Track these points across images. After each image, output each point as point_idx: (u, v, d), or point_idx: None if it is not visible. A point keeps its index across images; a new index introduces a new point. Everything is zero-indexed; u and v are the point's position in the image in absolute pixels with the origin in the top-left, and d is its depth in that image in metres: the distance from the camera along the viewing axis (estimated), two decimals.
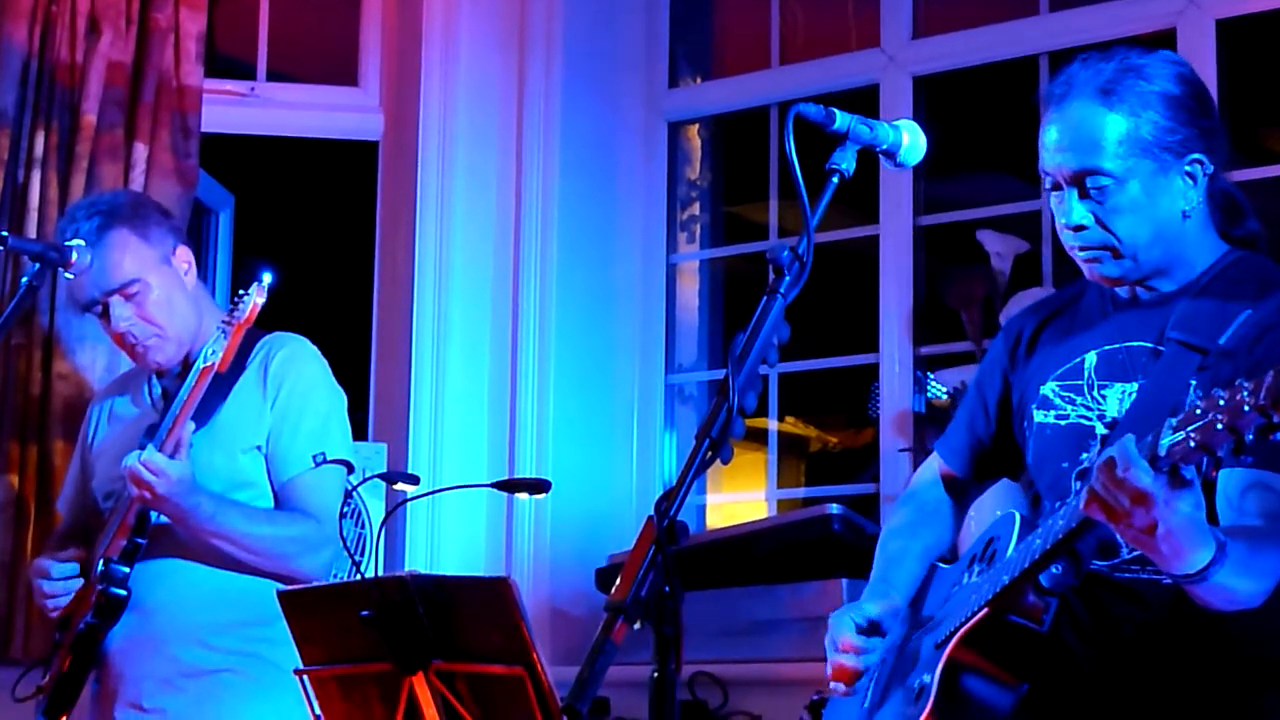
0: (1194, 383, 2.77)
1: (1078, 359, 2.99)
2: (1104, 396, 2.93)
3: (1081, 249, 2.92)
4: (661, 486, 5.68)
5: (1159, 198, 2.89)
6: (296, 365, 4.05)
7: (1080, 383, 2.97)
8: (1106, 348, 2.97)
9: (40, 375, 5.21)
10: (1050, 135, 2.92)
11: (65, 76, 5.32)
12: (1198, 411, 2.33)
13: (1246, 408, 2.25)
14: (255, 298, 3.79)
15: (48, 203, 5.24)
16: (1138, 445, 2.43)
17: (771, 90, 5.82)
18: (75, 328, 5.19)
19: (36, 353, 5.21)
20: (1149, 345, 2.91)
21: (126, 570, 3.88)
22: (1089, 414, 2.93)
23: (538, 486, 5.04)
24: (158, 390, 4.14)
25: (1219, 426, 2.29)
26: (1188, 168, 2.90)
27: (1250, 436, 2.27)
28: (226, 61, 5.96)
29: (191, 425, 3.82)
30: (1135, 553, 2.79)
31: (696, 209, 6.07)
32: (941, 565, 3.20)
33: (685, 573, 2.42)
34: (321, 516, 3.96)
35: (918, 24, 5.58)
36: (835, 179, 2.71)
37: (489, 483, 5.16)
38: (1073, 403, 2.96)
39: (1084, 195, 2.87)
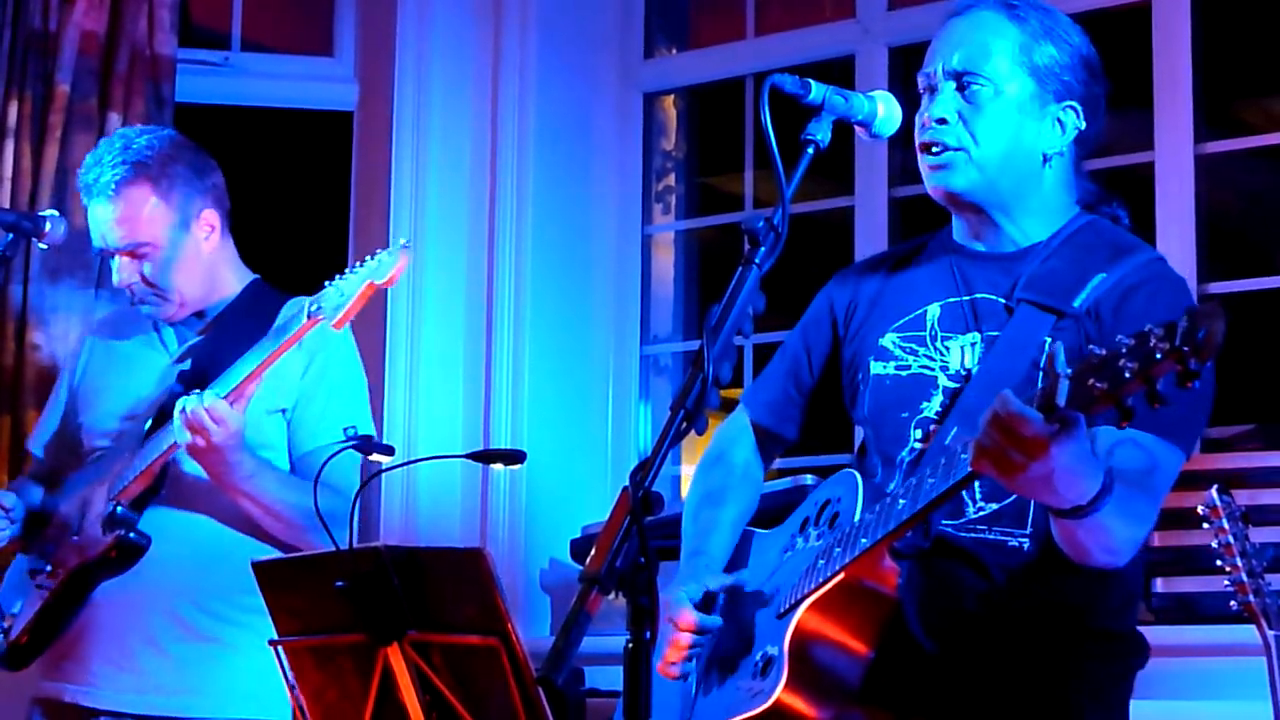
0: (1048, 340, 2.76)
1: (919, 310, 2.97)
2: (947, 348, 2.91)
3: (933, 151, 2.90)
4: (636, 457, 5.69)
5: (1026, 123, 2.90)
6: (334, 334, 3.92)
7: (923, 334, 2.95)
8: (950, 300, 2.95)
9: (13, 346, 5.19)
10: (944, 36, 2.94)
11: (38, 45, 5.30)
12: (1095, 361, 2.26)
13: (1159, 355, 2.17)
14: (400, 259, 3.57)
15: (21, 173, 5.22)
16: (1027, 396, 2.38)
17: (747, 61, 5.81)
18: (49, 298, 5.17)
19: (10, 324, 5.19)
20: (998, 300, 2.90)
21: (137, 517, 3.76)
22: (931, 365, 2.91)
23: (513, 457, 5.03)
24: (169, 335, 4.03)
25: (1127, 375, 2.21)
26: (1061, 114, 2.92)
27: (1162, 386, 2.19)
28: (200, 31, 5.94)
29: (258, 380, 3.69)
30: (982, 512, 2.80)
31: (672, 180, 6.06)
32: (758, 531, 3.13)
33: (660, 544, 2.43)
34: (346, 492, 3.81)
35: None
36: (810, 150, 2.71)
37: (464, 454, 5.15)
38: (914, 354, 2.94)
39: (959, 90, 2.89)
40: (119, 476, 3.84)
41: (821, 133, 2.73)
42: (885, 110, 2.85)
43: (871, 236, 5.40)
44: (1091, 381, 2.27)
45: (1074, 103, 2.92)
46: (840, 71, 5.54)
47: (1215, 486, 3.70)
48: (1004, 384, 2.47)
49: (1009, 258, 2.94)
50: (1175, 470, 2.77)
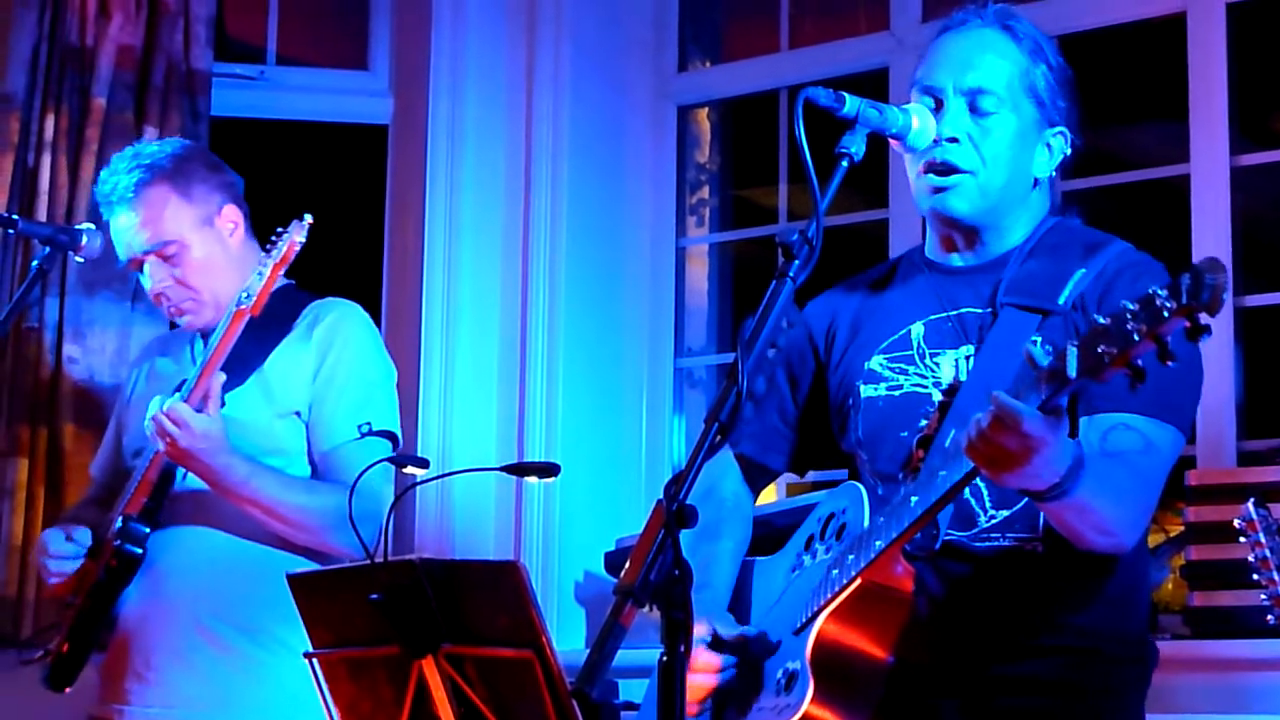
0: (1038, 339, 2.77)
1: (903, 330, 2.98)
2: (937, 364, 2.92)
3: (939, 173, 2.90)
4: (670, 470, 5.68)
5: (1025, 148, 2.92)
6: (345, 331, 3.94)
7: (910, 353, 2.95)
8: (933, 317, 2.96)
9: (51, 359, 5.21)
10: (947, 52, 2.94)
11: (75, 60, 5.32)
12: (1100, 329, 2.29)
13: (1166, 312, 2.20)
14: (294, 236, 3.63)
15: (57, 186, 5.25)
16: (1030, 379, 2.41)
17: (781, 74, 5.81)
18: (86, 311, 5.19)
19: (47, 336, 5.21)
20: (979, 310, 2.91)
21: (146, 530, 3.76)
22: (924, 382, 2.92)
23: (547, 470, 5.02)
24: (200, 348, 3.99)
25: (1136, 337, 2.23)
26: (1051, 139, 2.93)
27: (1171, 341, 2.22)
28: (236, 45, 5.96)
29: (221, 376, 3.67)
30: (994, 520, 2.80)
31: (706, 193, 6.06)
32: (758, 559, 3.12)
33: None
34: (365, 491, 3.76)
35: (927, 7, 5.57)
36: (844, 162, 2.72)
37: (498, 466, 5.16)
38: (905, 373, 2.94)
39: (971, 111, 2.89)
40: (126, 490, 3.85)
41: (856, 145, 2.73)
42: (920, 123, 2.86)
43: (907, 249, 5.39)
44: (1101, 348, 2.29)
45: (1064, 128, 2.94)
46: (874, 84, 5.54)
47: (1252, 500, 3.68)
48: (996, 385, 2.50)
49: (986, 267, 2.95)
50: (1171, 448, 2.77)
